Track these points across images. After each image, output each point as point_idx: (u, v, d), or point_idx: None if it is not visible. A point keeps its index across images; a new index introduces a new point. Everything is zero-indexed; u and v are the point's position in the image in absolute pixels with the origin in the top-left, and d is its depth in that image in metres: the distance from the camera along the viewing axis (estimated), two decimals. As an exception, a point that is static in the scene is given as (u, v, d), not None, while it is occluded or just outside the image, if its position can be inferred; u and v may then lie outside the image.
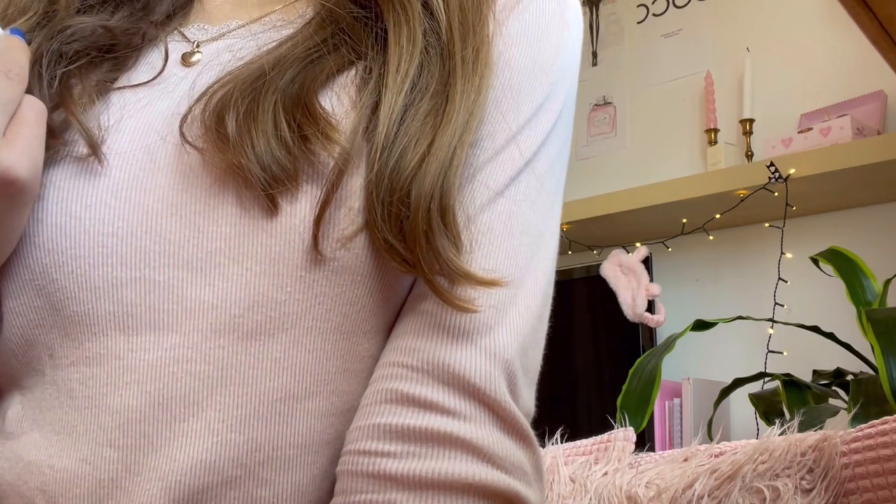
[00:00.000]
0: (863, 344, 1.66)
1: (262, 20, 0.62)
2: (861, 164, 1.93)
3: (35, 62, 0.56)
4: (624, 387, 1.76)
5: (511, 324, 0.54)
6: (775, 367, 1.92)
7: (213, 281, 0.52)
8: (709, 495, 0.85)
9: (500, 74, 0.58)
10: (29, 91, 0.53)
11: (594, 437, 1.06)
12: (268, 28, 0.60)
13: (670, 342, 1.80)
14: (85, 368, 0.52)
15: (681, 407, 2.15)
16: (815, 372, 1.85)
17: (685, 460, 0.94)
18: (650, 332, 2.27)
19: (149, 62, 0.61)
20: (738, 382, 1.83)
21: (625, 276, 2.27)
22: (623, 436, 1.03)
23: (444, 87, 0.55)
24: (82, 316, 0.53)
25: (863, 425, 0.82)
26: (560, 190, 0.62)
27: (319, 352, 0.53)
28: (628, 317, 2.24)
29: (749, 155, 2.28)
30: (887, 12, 1.42)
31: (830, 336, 1.80)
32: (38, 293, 0.54)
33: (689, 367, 2.29)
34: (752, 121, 2.29)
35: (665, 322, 2.23)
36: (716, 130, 2.35)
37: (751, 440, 0.92)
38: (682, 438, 2.12)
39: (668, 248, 2.38)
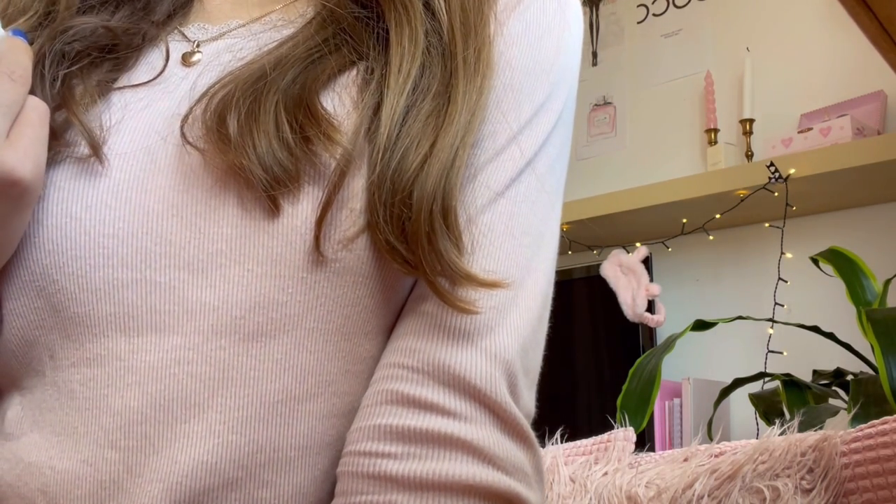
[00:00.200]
0: (863, 344, 1.66)
1: (263, 20, 0.62)
2: (861, 164, 1.93)
3: (37, 63, 0.56)
4: (624, 387, 1.76)
5: (511, 325, 0.54)
6: (775, 367, 1.92)
7: (214, 282, 0.52)
8: (709, 495, 0.85)
9: (501, 74, 0.58)
10: (31, 92, 0.53)
11: (594, 437, 1.06)
12: (268, 28, 0.60)
13: (670, 342, 1.80)
14: (86, 369, 0.52)
15: (681, 407, 2.15)
16: (815, 372, 1.85)
17: (685, 460, 0.94)
18: (650, 332, 2.27)
19: (149, 62, 0.60)
20: (738, 382, 1.83)
21: (625, 276, 2.27)
22: (623, 436, 1.03)
23: (445, 87, 0.55)
24: (83, 317, 0.52)
25: (863, 425, 0.82)
26: (560, 190, 0.62)
27: (321, 353, 0.53)
28: (628, 317, 2.24)
29: (749, 155, 2.28)
30: (887, 12, 1.42)
31: (830, 336, 1.80)
32: (38, 294, 0.54)
33: (689, 367, 2.29)
34: (752, 121, 2.29)
35: (665, 322, 2.23)
36: (716, 130, 2.35)
37: (751, 440, 0.92)
38: (682, 438, 2.12)
39: (668, 248, 2.38)
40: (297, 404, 0.52)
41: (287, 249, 0.51)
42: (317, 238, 0.51)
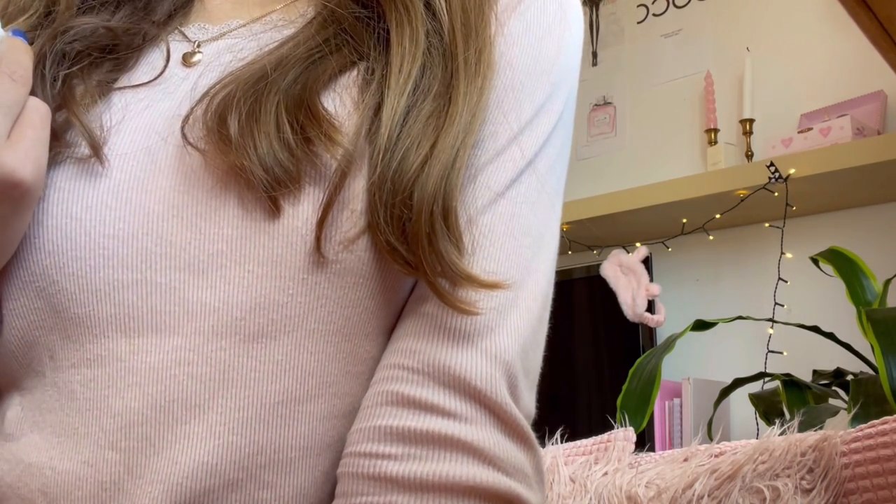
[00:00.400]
0: (863, 344, 1.66)
1: (263, 20, 0.62)
2: (861, 164, 1.93)
3: (38, 63, 0.55)
4: (624, 387, 1.76)
5: (512, 326, 0.54)
6: (775, 367, 1.92)
7: (214, 283, 0.52)
8: (709, 495, 0.85)
9: (501, 74, 0.58)
10: (32, 92, 0.53)
11: (594, 437, 1.06)
12: (269, 28, 0.60)
13: (670, 342, 1.80)
14: (86, 370, 0.52)
15: (681, 407, 2.15)
16: (815, 372, 1.85)
17: (685, 460, 0.94)
18: (650, 332, 2.27)
19: (149, 62, 0.60)
20: (738, 382, 1.83)
21: (625, 276, 2.27)
22: (623, 436, 1.03)
23: (446, 88, 0.55)
24: (83, 318, 0.52)
25: (863, 425, 0.82)
26: (561, 190, 0.62)
27: (321, 354, 0.53)
28: (628, 317, 2.24)
29: (749, 155, 2.28)
30: (887, 12, 1.42)
31: (830, 336, 1.80)
32: (38, 295, 0.53)
33: (689, 367, 2.29)
34: (752, 121, 2.29)
35: (665, 322, 2.23)
36: (716, 130, 2.35)
37: (751, 440, 0.92)
38: (682, 438, 2.12)
39: (668, 248, 2.38)
40: (297, 405, 0.52)
41: (288, 250, 0.51)
42: (318, 239, 0.51)
